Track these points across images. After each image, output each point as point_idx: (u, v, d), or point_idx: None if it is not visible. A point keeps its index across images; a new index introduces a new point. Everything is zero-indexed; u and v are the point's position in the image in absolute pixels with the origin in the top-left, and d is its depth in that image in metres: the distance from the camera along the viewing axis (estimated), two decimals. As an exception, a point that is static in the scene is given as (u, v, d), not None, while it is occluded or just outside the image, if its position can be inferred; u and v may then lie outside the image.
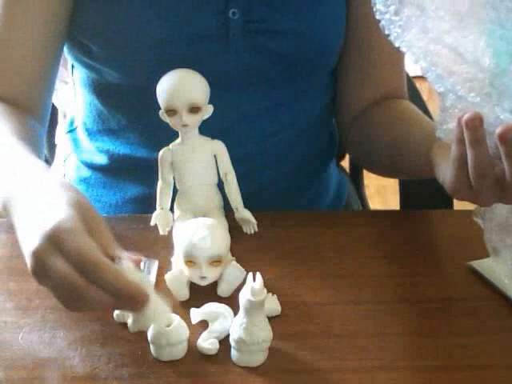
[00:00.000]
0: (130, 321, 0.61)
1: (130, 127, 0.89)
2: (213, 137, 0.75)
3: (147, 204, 0.80)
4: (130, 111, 0.88)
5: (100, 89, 0.89)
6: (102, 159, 0.92)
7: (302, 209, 0.94)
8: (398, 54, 0.91)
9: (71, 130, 1.00)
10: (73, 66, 0.95)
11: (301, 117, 0.91)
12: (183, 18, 0.80)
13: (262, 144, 0.89)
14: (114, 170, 0.92)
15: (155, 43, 0.80)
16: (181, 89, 0.71)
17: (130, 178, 0.91)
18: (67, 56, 0.89)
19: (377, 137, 0.89)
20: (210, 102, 0.73)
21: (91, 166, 0.94)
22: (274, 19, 0.82)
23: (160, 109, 0.73)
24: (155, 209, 0.76)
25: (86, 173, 0.95)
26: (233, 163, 0.76)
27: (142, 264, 0.72)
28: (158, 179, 0.76)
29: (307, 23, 0.83)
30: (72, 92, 1.00)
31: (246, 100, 0.86)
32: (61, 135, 1.07)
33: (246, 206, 0.78)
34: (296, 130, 0.91)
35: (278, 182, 0.92)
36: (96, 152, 0.93)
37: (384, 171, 0.95)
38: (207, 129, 0.75)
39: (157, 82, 0.72)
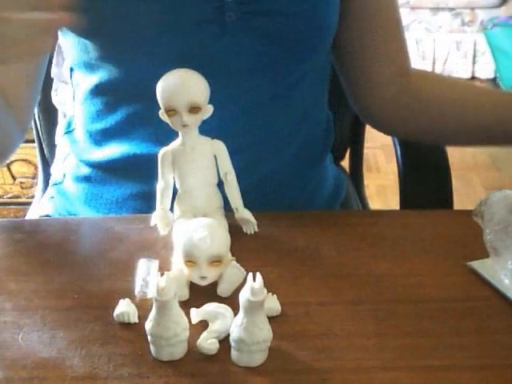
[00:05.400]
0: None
1: (129, 124, 0.89)
2: (213, 129, 0.75)
3: (147, 200, 0.80)
4: (129, 108, 0.88)
5: (98, 88, 0.89)
6: (101, 157, 0.92)
7: (301, 200, 0.94)
8: (398, 28, 0.94)
9: (69, 132, 1.00)
10: (72, 69, 0.95)
11: (300, 103, 0.91)
12: (179, 3, 0.80)
13: (262, 134, 0.88)
14: (114, 168, 0.92)
15: (152, 33, 0.80)
16: (181, 89, 0.71)
17: (130, 174, 0.91)
18: (66, 58, 0.90)
19: (432, 102, 0.93)
20: (211, 95, 0.73)
21: (91, 165, 0.94)
22: None
23: (158, 105, 0.72)
24: (155, 205, 0.76)
25: (86, 171, 0.95)
26: (233, 154, 0.75)
27: (141, 264, 0.72)
28: (157, 175, 0.76)
29: (301, 1, 0.83)
30: (71, 93, 1.00)
31: (247, 90, 0.85)
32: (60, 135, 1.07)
33: (246, 199, 0.77)
34: (295, 117, 0.91)
35: (277, 172, 0.92)
36: (95, 151, 0.93)
37: (448, 137, 0.98)
38: (208, 122, 0.74)
39: (155, 75, 0.71)
